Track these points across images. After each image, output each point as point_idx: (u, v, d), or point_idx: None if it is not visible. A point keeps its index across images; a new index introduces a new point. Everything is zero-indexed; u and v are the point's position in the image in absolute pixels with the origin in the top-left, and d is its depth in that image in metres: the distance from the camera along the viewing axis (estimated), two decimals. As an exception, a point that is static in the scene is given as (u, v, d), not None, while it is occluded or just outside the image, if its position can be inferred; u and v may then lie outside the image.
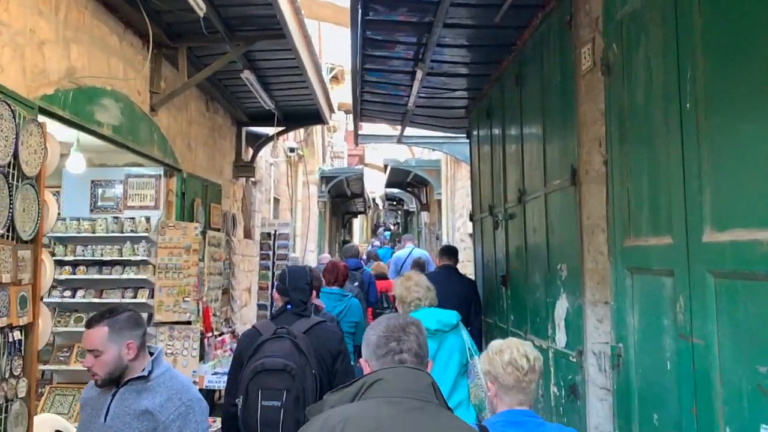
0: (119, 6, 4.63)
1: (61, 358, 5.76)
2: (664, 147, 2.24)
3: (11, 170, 3.16)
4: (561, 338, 3.81)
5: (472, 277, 7.46)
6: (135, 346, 2.29)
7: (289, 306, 3.08)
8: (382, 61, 5.19)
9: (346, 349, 3.10)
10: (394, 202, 27.09)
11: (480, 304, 5.80)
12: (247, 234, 9.31)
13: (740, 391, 1.82)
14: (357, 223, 32.79)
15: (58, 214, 6.13)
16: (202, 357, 6.27)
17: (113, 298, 5.77)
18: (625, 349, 2.55)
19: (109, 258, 5.78)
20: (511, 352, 2.05)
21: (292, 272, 3.22)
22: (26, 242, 3.34)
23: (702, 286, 1.99)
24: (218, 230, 7.17)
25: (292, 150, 11.76)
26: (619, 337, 2.59)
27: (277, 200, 11.81)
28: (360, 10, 4.07)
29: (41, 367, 5.83)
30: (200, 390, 5.96)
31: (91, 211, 6.07)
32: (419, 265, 7.76)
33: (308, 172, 15.09)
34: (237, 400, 2.76)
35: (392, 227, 32.12)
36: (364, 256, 10.93)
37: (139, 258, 5.76)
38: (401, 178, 16.33)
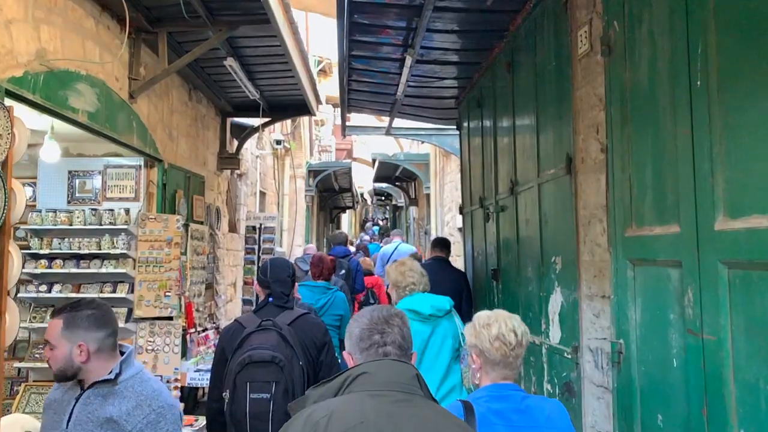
0: (95, -13, 4.43)
1: (36, 355, 5.54)
2: (671, 129, 2.09)
3: (-27, 156, 2.95)
4: (555, 334, 3.67)
5: (463, 270, 7.36)
6: (87, 349, 2.08)
7: (270, 299, 3.00)
8: (370, 47, 5.01)
9: (330, 341, 3.02)
10: (383, 197, 26.95)
11: (471, 296, 5.78)
12: (232, 228, 9.11)
13: (756, 391, 1.68)
14: (345, 218, 32.61)
15: (34, 205, 5.99)
16: (185, 353, 6.10)
17: (91, 292, 5.56)
18: (626, 345, 2.40)
19: (86, 251, 5.56)
20: (499, 326, 1.99)
21: (274, 264, 3.13)
22: (-9, 233, 3.13)
23: (714, 277, 1.85)
24: (201, 223, 6.97)
25: (278, 142, 11.55)
26: (619, 332, 2.45)
27: (263, 194, 11.61)
28: (347, -8, 3.91)
29: (17, 364, 5.63)
30: (182, 388, 5.83)
31: (69, 202, 5.85)
32: (416, 259, 7.58)
33: (295, 166, 14.88)
34: (224, 393, 2.69)
35: (381, 222, 31.98)
36: (353, 248, 10.80)
37: (118, 251, 5.55)
38: (390, 173, 16.17)
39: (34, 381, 5.62)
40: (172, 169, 6.14)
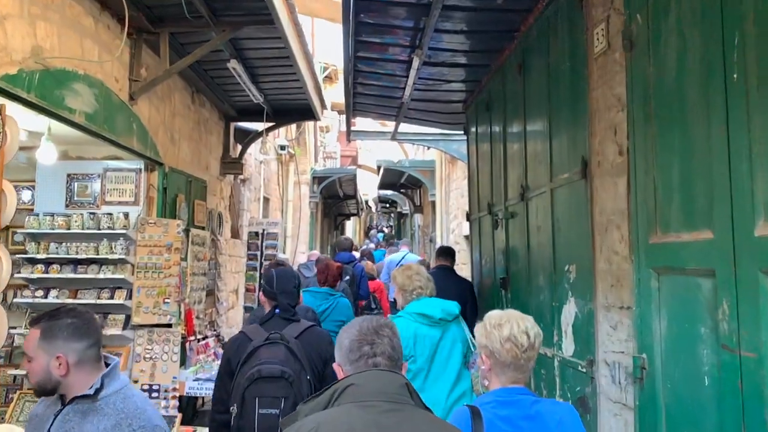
0: (94, -16, 4.32)
1: (31, 363, 5.39)
2: (703, 127, 1.94)
3: (-40, 154, 2.82)
4: (568, 346, 3.50)
5: (469, 279, 7.21)
6: (65, 361, 1.92)
7: (277, 310, 2.96)
8: (376, 48, 4.87)
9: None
10: (387, 205, 26.77)
11: (477, 306, 5.68)
12: (235, 233, 8.97)
13: (803, 415, 1.52)
14: (350, 225, 32.46)
15: (32, 209, 5.86)
16: (183, 362, 5.94)
17: (88, 298, 5.42)
18: (649, 360, 2.24)
19: (84, 256, 5.43)
20: (510, 327, 1.92)
21: (280, 275, 3.07)
22: (-22, 235, 2.99)
23: (753, 288, 1.68)
24: (203, 228, 6.83)
25: (282, 148, 11.42)
26: (642, 346, 2.28)
27: (267, 199, 11.47)
28: (353, -10, 3.77)
29: (12, 371, 5.49)
30: (180, 397, 5.67)
31: (67, 206, 5.72)
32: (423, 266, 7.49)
33: (300, 172, 14.75)
34: (231, 408, 2.66)
35: (385, 230, 31.82)
36: (358, 254, 10.70)
37: (116, 256, 5.41)
38: (395, 180, 16.03)
39: (28, 389, 5.47)
40: (173, 172, 6.01)
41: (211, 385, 5.66)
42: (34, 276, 5.41)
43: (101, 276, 5.42)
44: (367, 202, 27.49)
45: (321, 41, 16.97)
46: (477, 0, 4.00)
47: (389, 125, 8.31)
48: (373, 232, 30.63)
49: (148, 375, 5.48)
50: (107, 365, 2.04)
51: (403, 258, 9.24)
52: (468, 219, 6.65)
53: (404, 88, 5.58)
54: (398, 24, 4.35)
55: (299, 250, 14.49)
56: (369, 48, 4.86)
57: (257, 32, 5.52)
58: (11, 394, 5.52)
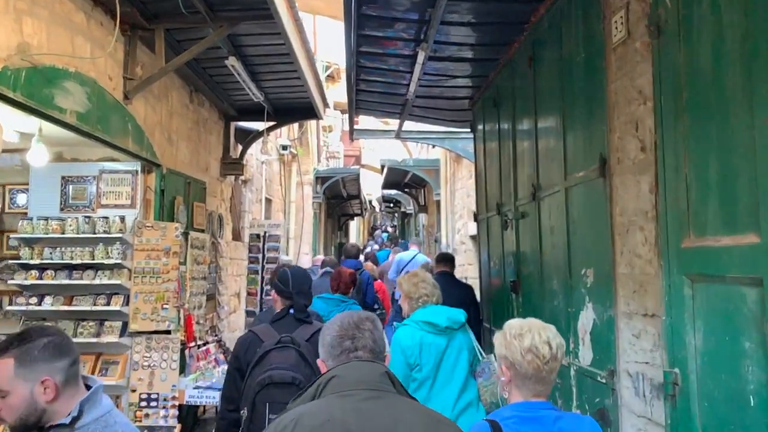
0: (85, -22, 4.14)
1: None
2: (746, 118, 1.74)
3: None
4: (586, 354, 3.30)
5: (476, 281, 7.04)
6: (53, 384, 1.70)
7: (291, 310, 2.94)
8: (380, 42, 4.68)
9: None
10: (391, 204, 26.58)
11: (479, 310, 5.64)
12: (236, 236, 8.78)
13: None
14: (354, 225, 32.29)
15: (25, 213, 5.69)
16: (183, 369, 5.76)
17: (84, 305, 5.25)
18: (683, 375, 2.03)
19: (79, 261, 5.25)
20: (532, 337, 1.84)
21: (296, 275, 3.04)
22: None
23: (810, 299, 1.49)
24: (202, 231, 6.65)
25: (284, 148, 11.23)
26: (674, 360, 2.08)
27: (269, 200, 11.29)
28: (355, -20, 3.58)
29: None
30: (180, 406, 5.49)
31: (62, 209, 5.54)
32: (427, 270, 7.34)
33: (303, 172, 14.56)
34: (242, 411, 2.65)
35: (390, 230, 31.64)
36: (362, 257, 10.55)
37: (112, 261, 5.23)
38: (398, 179, 15.83)
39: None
40: (170, 174, 5.83)
41: (212, 393, 5.52)
42: (28, 282, 5.24)
43: (97, 282, 5.24)
44: (370, 202, 27.32)
45: (323, 39, 16.80)
46: (485, -10, 3.82)
47: (391, 123, 8.11)
48: (378, 232, 30.49)
49: (147, 384, 5.30)
50: (88, 388, 1.84)
51: (413, 257, 9.08)
52: (475, 219, 6.45)
53: (409, 85, 5.39)
54: (402, 16, 4.16)
55: (303, 251, 14.31)
56: (372, 42, 4.66)
57: (256, 28, 5.33)
58: None
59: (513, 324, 1.95)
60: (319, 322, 3.14)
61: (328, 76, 18.73)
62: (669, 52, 2.18)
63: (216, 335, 7.22)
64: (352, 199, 21.55)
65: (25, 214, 5.60)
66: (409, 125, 8.03)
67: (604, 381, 3.04)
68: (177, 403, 5.34)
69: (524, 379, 1.85)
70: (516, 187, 4.70)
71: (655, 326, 2.60)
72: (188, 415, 5.92)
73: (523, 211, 4.50)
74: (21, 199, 6.26)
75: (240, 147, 8.30)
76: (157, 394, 5.30)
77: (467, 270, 9.88)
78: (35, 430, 1.74)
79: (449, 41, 4.56)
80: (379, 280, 8.16)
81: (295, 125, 13.31)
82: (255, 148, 9.27)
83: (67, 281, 5.24)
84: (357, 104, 6.44)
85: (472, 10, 4.07)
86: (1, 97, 3.36)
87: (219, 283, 7.59)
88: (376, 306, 7.11)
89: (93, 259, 5.24)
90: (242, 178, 8.99)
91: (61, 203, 5.55)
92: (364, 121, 9.92)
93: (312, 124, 15.08)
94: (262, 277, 7.82)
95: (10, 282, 5.37)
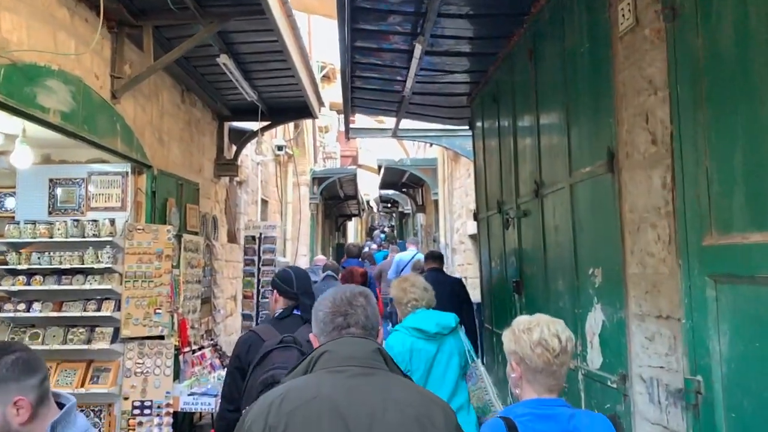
0: (68, -27, 3.98)
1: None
2: (776, 104, 1.60)
3: None
4: (595, 358, 3.16)
5: (476, 281, 6.93)
6: (28, 404, 1.55)
7: (296, 311, 2.92)
8: (375, 36, 4.53)
9: None
10: (389, 205, 26.42)
11: (471, 303, 5.70)
12: (232, 238, 8.63)
13: None
14: (351, 226, 32.13)
15: (12, 216, 5.53)
16: (177, 375, 5.61)
17: (74, 311, 5.09)
18: (706, 384, 1.89)
19: (68, 266, 5.09)
20: (540, 330, 1.84)
21: (299, 276, 3.04)
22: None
23: None
24: (196, 234, 6.49)
25: (280, 148, 11.07)
26: (696, 367, 1.94)
27: (265, 202, 11.13)
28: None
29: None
30: (175, 413, 5.34)
31: (50, 213, 5.38)
32: (418, 268, 7.27)
33: (299, 173, 14.40)
34: (243, 411, 2.38)
35: (387, 230, 31.50)
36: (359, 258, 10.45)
37: (103, 265, 5.07)
38: (396, 179, 15.69)
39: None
40: (162, 175, 5.67)
41: (208, 399, 5.37)
42: (16, 288, 5.07)
43: (87, 287, 5.08)
44: (368, 202, 27.17)
45: (318, 39, 16.64)
46: (484, -20, 3.67)
47: (385, 122, 7.96)
48: (376, 232, 30.37)
49: (140, 391, 5.15)
50: (60, 406, 1.69)
51: (413, 258, 8.98)
52: (475, 218, 6.31)
53: (405, 81, 5.25)
54: (398, 9, 4.02)
55: (300, 252, 14.16)
56: (367, 37, 4.52)
57: (248, 25, 5.18)
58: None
59: (521, 319, 1.95)
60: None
61: (323, 76, 18.57)
62: (685, 36, 2.03)
63: (212, 339, 7.06)
64: (349, 200, 21.39)
65: (13, 218, 5.44)
66: (406, 124, 7.88)
67: (614, 386, 2.90)
68: (171, 411, 5.19)
69: (535, 373, 1.83)
70: (517, 184, 4.56)
71: (670, 329, 2.46)
72: (184, 422, 5.76)
73: (526, 209, 4.36)
74: (9, 202, 6.10)
75: (234, 148, 8.14)
76: (151, 401, 5.15)
77: (467, 270, 9.74)
78: None
79: (446, 35, 4.42)
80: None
81: (291, 126, 13.15)
82: (250, 149, 9.11)
83: (56, 287, 5.08)
84: (352, 102, 6.29)
85: (470, 2, 3.93)
86: (-21, 96, 3.20)
87: (214, 286, 7.43)
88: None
89: (83, 264, 5.08)
90: (237, 179, 8.84)
91: (49, 206, 5.39)
92: (360, 121, 9.76)
93: (308, 124, 14.92)
94: (259, 280, 7.65)
95: (-3, 288, 5.21)
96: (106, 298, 5.19)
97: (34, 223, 5.14)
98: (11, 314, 5.08)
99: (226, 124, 7.96)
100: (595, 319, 3.14)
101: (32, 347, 4.85)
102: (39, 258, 5.11)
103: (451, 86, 5.72)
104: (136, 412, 5.10)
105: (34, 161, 5.24)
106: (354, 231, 32.68)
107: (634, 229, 2.74)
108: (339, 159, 21.41)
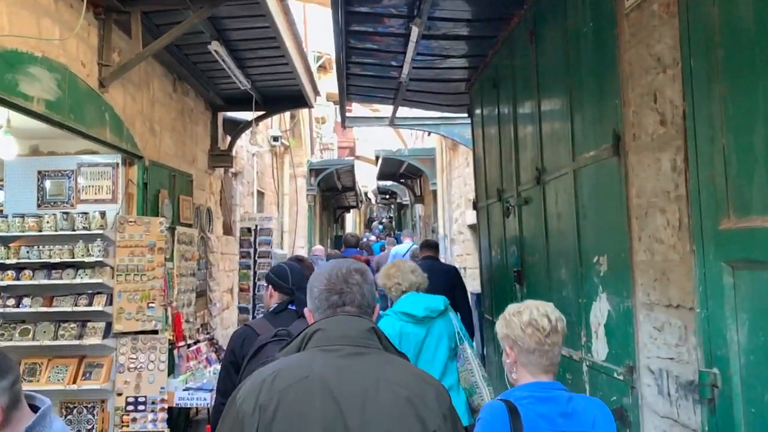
0: (50, -45, 3.83)
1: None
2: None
3: None
4: (600, 349, 3.05)
5: (476, 272, 6.84)
6: (1, 408, 1.45)
7: (292, 305, 2.94)
8: (370, 20, 4.39)
9: None
10: (387, 196, 26.29)
11: (466, 290, 5.74)
12: (227, 230, 8.51)
13: None
14: (350, 218, 32.02)
15: (1, 210, 5.40)
16: (172, 370, 5.50)
17: (65, 306, 4.97)
18: (723, 377, 1.77)
19: (58, 260, 4.97)
20: (530, 312, 1.92)
21: (294, 271, 3.07)
22: None
23: None
24: (190, 226, 6.36)
25: (275, 139, 10.92)
26: (712, 358, 1.82)
27: (261, 193, 11.00)
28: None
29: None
30: (170, 409, 5.23)
31: (39, 206, 5.25)
32: (415, 257, 7.22)
33: (296, 165, 14.25)
34: (236, 388, 2.42)
35: (385, 221, 31.42)
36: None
37: (93, 259, 4.95)
38: (394, 169, 15.54)
39: None
40: (154, 166, 5.53)
41: (204, 394, 5.26)
42: (5, 283, 4.97)
43: (78, 281, 4.96)
44: (366, 193, 27.04)
45: (313, 29, 16.45)
46: (482, -42, 3.53)
47: (380, 110, 7.82)
48: (375, 224, 30.29)
49: (133, 387, 5.05)
50: (34, 410, 1.57)
51: (408, 250, 8.89)
52: (475, 207, 6.18)
53: (402, 67, 5.10)
54: (393, -10, 3.88)
55: (298, 245, 14.04)
56: (362, 20, 4.37)
57: (239, 10, 5.03)
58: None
59: (511, 306, 2.02)
60: None
61: (320, 66, 18.38)
62: (699, 6, 1.90)
63: (208, 333, 6.95)
64: (347, 191, 21.25)
65: (1, 211, 5.31)
66: (403, 112, 7.73)
67: (621, 378, 2.79)
68: (166, 406, 5.09)
69: (528, 355, 1.88)
70: (518, 171, 4.43)
71: (681, 318, 2.35)
72: (179, 416, 5.66)
73: (527, 197, 4.24)
74: (-1, 196, 5.97)
75: (228, 138, 8.00)
76: (145, 397, 5.05)
77: (466, 260, 9.63)
78: None
79: (444, 17, 4.28)
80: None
81: (287, 116, 13.00)
82: (245, 140, 8.97)
83: (46, 281, 4.97)
84: (348, 89, 6.15)
85: (469, -18, 3.79)
86: (-43, 82, 3.07)
87: (210, 279, 7.31)
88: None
89: (73, 258, 4.96)
90: (232, 170, 8.70)
91: (38, 199, 5.26)
92: (357, 111, 9.64)
93: (304, 115, 14.77)
94: (255, 272, 7.53)
95: (-15, 284, 5.09)
96: (98, 293, 5.08)
97: (22, 216, 5.02)
98: (0, 310, 4.96)
99: (220, 114, 7.82)
100: (601, 309, 3.02)
101: (22, 343, 4.79)
102: (28, 252, 4.99)
103: (449, 72, 5.58)
104: (130, 408, 5.00)
105: (22, 153, 5.11)
106: (352, 223, 32.56)
107: (641, 214, 2.62)
108: (336, 150, 21.26)
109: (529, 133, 4.16)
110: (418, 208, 17.98)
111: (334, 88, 11.49)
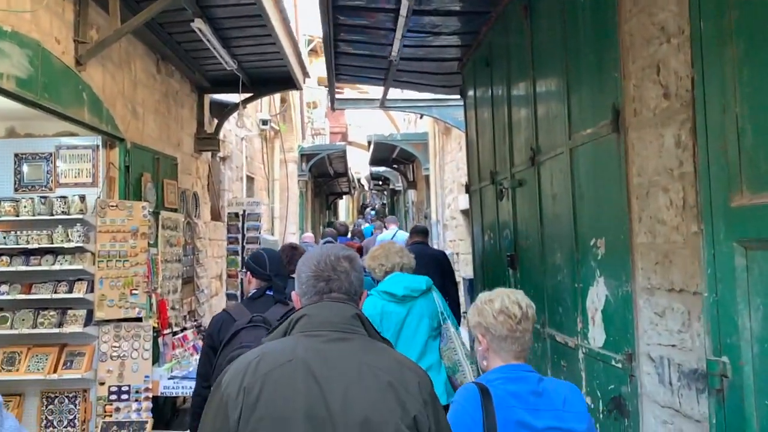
0: (18, -77, 3.62)
1: (-16, 367, 4.80)
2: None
3: None
4: (597, 335, 2.92)
5: (469, 257, 6.72)
6: None
7: (269, 291, 2.95)
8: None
9: None
10: (380, 182, 26.11)
11: (453, 274, 5.78)
12: (216, 216, 8.33)
13: None
14: (342, 204, 31.85)
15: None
16: (157, 359, 5.36)
17: (44, 293, 4.82)
18: (733, 366, 1.64)
19: (37, 246, 4.80)
20: (501, 300, 1.96)
21: (272, 257, 3.08)
22: None
23: None
24: (175, 210, 6.19)
25: (264, 123, 10.71)
26: (722, 346, 1.68)
27: (251, 179, 10.81)
28: None
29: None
30: (155, 398, 5.10)
31: (16, 190, 5.06)
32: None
33: (286, 150, 14.04)
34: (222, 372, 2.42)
35: (378, 206, 31.29)
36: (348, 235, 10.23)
37: (73, 245, 4.79)
38: (386, 155, 15.35)
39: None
40: (136, 149, 5.35)
41: (189, 383, 5.12)
42: (-19, 270, 4.79)
43: (57, 267, 4.81)
44: (359, 180, 26.86)
45: (304, 13, 16.18)
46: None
47: (374, 94, 7.63)
48: (368, 210, 30.19)
49: (116, 376, 4.91)
50: None
51: (393, 237, 8.77)
52: (467, 191, 6.04)
53: (392, 45, 4.93)
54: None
55: (289, 231, 13.87)
56: (350, -5, 4.19)
57: (222, -15, 4.84)
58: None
59: (482, 294, 2.05)
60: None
61: (311, 50, 18.12)
62: (710, -37, 1.75)
63: (195, 320, 6.81)
64: (339, 177, 21.06)
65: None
66: (395, 94, 7.55)
67: (619, 366, 2.67)
68: (150, 395, 4.95)
69: (500, 341, 1.92)
70: (512, 152, 4.29)
71: (684, 303, 2.22)
72: (165, 404, 5.53)
73: (521, 179, 4.09)
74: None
75: (216, 121, 7.80)
76: (128, 386, 4.92)
77: (458, 246, 9.51)
78: None
79: (436, -9, 4.11)
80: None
81: (277, 100, 12.78)
82: (233, 124, 8.77)
83: (24, 267, 4.80)
84: (337, 69, 5.96)
85: (461, -48, 3.62)
86: None
87: (197, 266, 7.15)
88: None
89: (52, 243, 4.80)
90: (220, 154, 8.52)
91: (15, 183, 5.07)
92: (348, 95, 9.43)
93: (295, 99, 14.54)
94: (243, 258, 7.38)
95: (-39, 271, 4.91)
96: (78, 279, 4.92)
97: (-2, 201, 4.84)
98: (-23, 297, 4.79)
99: (207, 97, 7.62)
100: (598, 294, 2.89)
101: (1, 332, 4.61)
102: (5, 238, 4.83)
103: (441, 50, 5.40)
104: (113, 397, 4.86)
105: (-4, 134, 4.92)
106: (345, 209, 32.41)
107: (642, 194, 2.48)
108: (328, 135, 21.02)
109: (524, 111, 4.01)
110: (411, 194, 17.82)
111: (325, 73, 11.28)
